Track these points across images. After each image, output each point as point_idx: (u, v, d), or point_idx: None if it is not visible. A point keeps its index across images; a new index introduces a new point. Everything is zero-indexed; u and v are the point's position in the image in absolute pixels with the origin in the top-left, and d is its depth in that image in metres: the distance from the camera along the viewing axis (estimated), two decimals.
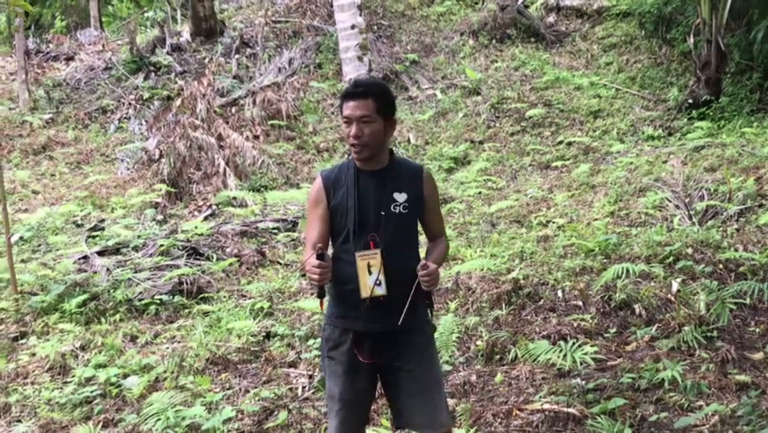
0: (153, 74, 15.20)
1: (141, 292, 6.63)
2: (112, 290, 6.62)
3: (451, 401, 4.23)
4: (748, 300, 4.98)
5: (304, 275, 6.46)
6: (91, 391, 4.90)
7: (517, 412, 4.06)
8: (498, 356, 4.83)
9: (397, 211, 2.83)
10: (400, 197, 2.85)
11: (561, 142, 10.95)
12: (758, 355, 4.39)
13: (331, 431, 2.93)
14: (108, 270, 7.09)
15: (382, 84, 3.02)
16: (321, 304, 2.86)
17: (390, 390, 2.93)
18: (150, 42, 16.36)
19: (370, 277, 2.73)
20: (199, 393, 4.70)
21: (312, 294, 6.36)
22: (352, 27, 12.14)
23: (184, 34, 16.78)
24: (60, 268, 7.13)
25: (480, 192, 9.24)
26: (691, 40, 11.23)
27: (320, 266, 2.62)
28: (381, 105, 2.81)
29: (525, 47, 14.42)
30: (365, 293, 2.74)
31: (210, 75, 12.95)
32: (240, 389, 4.84)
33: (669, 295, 5.18)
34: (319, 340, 5.22)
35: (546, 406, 4.03)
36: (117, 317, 6.25)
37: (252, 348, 5.42)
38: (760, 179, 7.41)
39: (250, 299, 6.46)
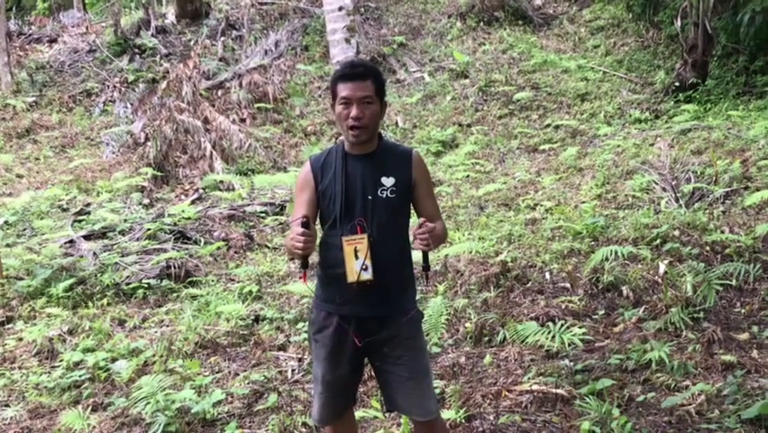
0: (138, 56, 15.05)
1: (128, 276, 6.60)
2: (99, 275, 6.59)
3: (440, 383, 4.25)
4: (734, 282, 5.02)
5: (292, 259, 6.44)
6: (79, 376, 4.88)
7: (506, 393, 4.09)
8: (486, 338, 4.85)
9: (385, 196, 2.79)
10: (388, 181, 2.80)
11: (548, 126, 10.96)
12: (743, 336, 4.43)
13: (314, 411, 2.97)
14: (95, 254, 7.04)
15: (376, 66, 3.00)
16: (304, 276, 2.79)
17: (380, 375, 2.93)
18: (135, 24, 16.19)
19: (357, 262, 2.70)
20: (189, 377, 4.69)
21: (300, 277, 6.35)
22: (340, 9, 12.05)
23: (169, 16, 16.62)
24: (46, 252, 7.08)
25: (468, 175, 9.24)
26: (678, 23, 11.24)
27: (304, 234, 2.56)
28: (379, 87, 2.77)
29: (513, 30, 14.38)
30: (352, 278, 2.71)
31: (196, 57, 12.83)
32: (229, 372, 4.83)
33: (656, 277, 5.22)
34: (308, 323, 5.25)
35: (535, 387, 4.06)
36: (105, 301, 6.22)
37: (241, 332, 5.41)
38: (746, 161, 7.45)
39: (238, 282, 6.44)
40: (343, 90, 2.72)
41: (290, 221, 2.85)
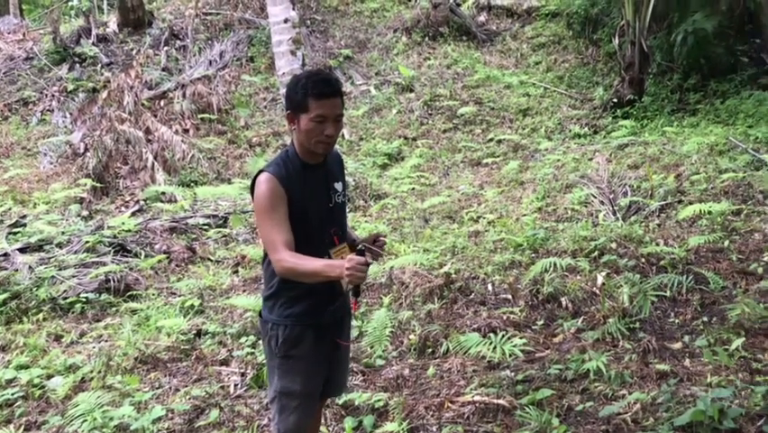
0: (78, 65, 14.69)
1: (65, 290, 6.41)
2: (34, 289, 6.38)
3: (384, 395, 4.27)
4: (668, 293, 5.19)
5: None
6: (12, 394, 4.72)
7: (449, 404, 4.13)
8: (430, 350, 4.89)
9: (341, 201, 2.92)
10: (339, 186, 2.92)
11: (491, 140, 11.14)
12: (677, 345, 4.58)
13: (290, 425, 2.90)
14: (30, 267, 6.82)
15: None
16: (355, 304, 2.85)
17: (332, 365, 3.04)
18: (75, 33, 15.79)
19: None
20: (128, 393, 4.59)
21: (244, 291, 6.30)
22: (285, 21, 11.99)
23: (111, 25, 16.27)
24: None
25: (413, 188, 9.32)
26: (616, 41, 11.60)
27: (365, 263, 2.52)
28: (342, 101, 2.82)
29: (458, 45, 14.59)
30: (347, 286, 2.77)
31: (138, 67, 12.60)
32: (170, 388, 4.75)
33: (594, 288, 5.35)
34: (251, 338, 5.20)
35: (477, 398, 4.11)
36: (40, 316, 6.03)
37: (183, 346, 5.32)
38: (679, 176, 7.72)
39: (180, 296, 6.33)
40: (320, 108, 2.67)
41: (259, 238, 2.90)
